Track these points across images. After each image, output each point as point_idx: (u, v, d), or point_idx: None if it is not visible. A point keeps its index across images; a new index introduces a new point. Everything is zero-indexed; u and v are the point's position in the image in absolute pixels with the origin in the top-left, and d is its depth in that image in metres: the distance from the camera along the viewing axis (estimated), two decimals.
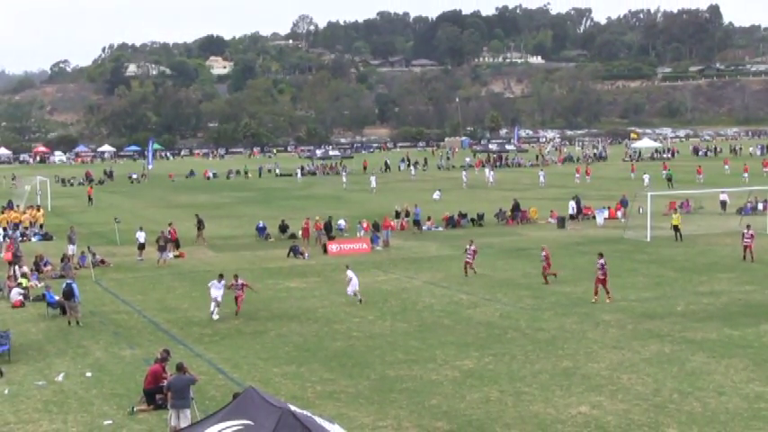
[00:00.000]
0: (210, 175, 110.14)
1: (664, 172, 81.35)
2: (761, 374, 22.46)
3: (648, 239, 46.46)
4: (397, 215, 54.90)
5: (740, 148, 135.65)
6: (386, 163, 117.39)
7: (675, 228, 46.67)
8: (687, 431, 18.65)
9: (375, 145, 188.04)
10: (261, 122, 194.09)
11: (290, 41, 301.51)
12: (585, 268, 38.45)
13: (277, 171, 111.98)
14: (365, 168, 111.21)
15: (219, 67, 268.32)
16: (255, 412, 13.02)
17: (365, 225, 50.29)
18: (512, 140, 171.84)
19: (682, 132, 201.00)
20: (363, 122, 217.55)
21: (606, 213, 56.14)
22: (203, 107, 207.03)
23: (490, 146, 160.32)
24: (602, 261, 31.26)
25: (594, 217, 56.02)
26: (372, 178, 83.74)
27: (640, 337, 26.19)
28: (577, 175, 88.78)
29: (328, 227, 47.95)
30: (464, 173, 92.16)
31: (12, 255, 39.51)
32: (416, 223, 52.69)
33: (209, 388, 22.02)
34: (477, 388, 21.81)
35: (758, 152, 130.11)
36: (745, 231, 39.25)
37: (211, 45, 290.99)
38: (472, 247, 37.44)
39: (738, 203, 58.05)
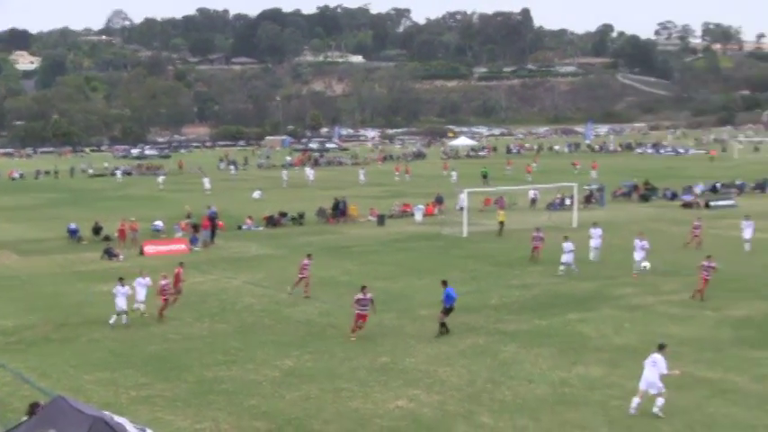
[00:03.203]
0: (17, 175, 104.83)
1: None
2: (565, 361, 23.61)
3: (465, 235, 47.82)
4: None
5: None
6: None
7: (501, 224, 48.31)
8: (499, 419, 19.32)
9: (194, 144, 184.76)
10: (72, 120, 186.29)
11: (104, 37, 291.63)
12: (405, 264, 39.39)
13: (90, 171, 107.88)
14: (180, 167, 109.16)
15: (26, 62, 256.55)
16: (64, 422, 12.43)
17: (183, 225, 49.25)
18: (333, 139, 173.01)
19: (497, 131, 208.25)
20: (182, 121, 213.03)
21: (424, 210, 57.44)
22: (8, 104, 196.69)
23: (311, 144, 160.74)
24: (369, 296, 26.56)
25: (413, 214, 57.23)
26: (206, 180, 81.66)
27: (456, 330, 26.80)
28: (397, 174, 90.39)
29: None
30: (284, 172, 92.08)
31: None
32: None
33: (13, 399, 20.88)
34: (296, 386, 21.81)
35: (566, 149, 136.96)
36: (535, 233, 40.15)
37: (16, 39, 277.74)
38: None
39: (547, 199, 60.78)
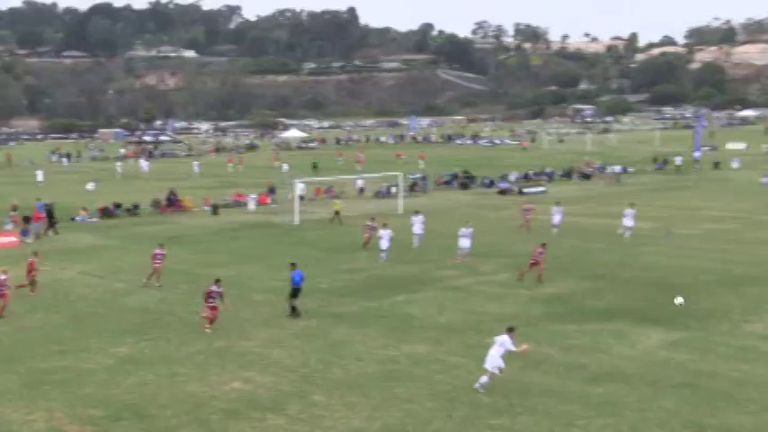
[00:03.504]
0: None
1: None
2: (393, 340, 24.92)
3: (297, 223, 48.84)
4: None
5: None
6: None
7: (337, 212, 49.61)
8: (331, 396, 20.24)
9: (25, 137, 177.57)
10: None
11: None
12: (238, 252, 40.05)
13: None
14: (9, 160, 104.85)
15: None
16: None
17: (15, 218, 47.99)
18: (166, 131, 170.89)
19: (326, 123, 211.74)
20: (11, 113, 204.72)
21: (257, 199, 58.37)
22: None
23: (145, 137, 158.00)
24: (220, 289, 26.51)
25: (246, 203, 57.89)
26: (39, 172, 79.06)
27: (289, 313, 27.60)
28: (230, 165, 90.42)
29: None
30: (118, 163, 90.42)
31: None
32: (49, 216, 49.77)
33: None
34: (132, 373, 21.99)
35: (392, 141, 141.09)
36: (369, 223, 41.34)
37: None
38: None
39: (374, 188, 62.86)
